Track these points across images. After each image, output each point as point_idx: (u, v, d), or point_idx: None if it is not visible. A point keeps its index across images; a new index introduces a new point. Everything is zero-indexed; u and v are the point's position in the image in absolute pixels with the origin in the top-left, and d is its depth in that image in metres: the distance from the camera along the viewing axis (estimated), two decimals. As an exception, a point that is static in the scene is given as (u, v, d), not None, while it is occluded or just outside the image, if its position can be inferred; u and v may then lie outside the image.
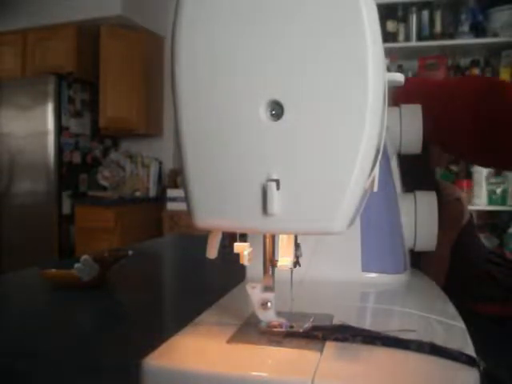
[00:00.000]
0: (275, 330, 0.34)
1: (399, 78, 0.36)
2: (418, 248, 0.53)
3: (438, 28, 2.88)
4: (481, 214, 2.81)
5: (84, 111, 3.30)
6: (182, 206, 2.90)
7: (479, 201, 2.74)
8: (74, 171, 3.23)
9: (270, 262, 0.35)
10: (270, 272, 0.35)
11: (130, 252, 0.77)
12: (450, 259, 0.62)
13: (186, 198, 0.32)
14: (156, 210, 3.23)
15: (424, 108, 0.53)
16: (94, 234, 3.03)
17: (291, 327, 0.34)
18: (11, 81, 3.26)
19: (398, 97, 0.57)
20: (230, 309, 0.40)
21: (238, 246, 0.35)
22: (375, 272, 0.49)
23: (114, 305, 0.66)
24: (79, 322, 0.59)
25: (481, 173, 2.73)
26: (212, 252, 0.37)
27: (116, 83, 3.27)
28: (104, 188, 3.34)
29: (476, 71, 2.86)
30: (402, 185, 0.57)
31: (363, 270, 0.49)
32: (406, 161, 0.58)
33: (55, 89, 3.05)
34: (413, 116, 0.55)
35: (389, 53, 2.84)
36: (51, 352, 0.47)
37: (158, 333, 0.50)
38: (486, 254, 0.67)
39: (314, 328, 0.34)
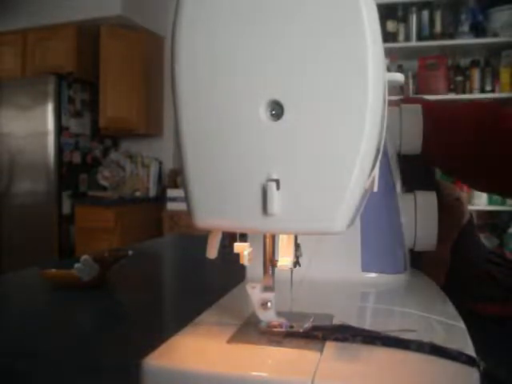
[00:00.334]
0: (275, 329, 0.34)
1: (399, 77, 0.36)
2: (418, 248, 0.53)
3: (438, 28, 2.88)
4: (481, 214, 2.81)
5: (84, 111, 3.31)
6: (182, 206, 2.90)
7: (479, 201, 2.74)
8: (74, 171, 3.23)
9: (269, 262, 0.35)
10: (270, 272, 0.35)
11: (130, 252, 0.77)
12: (450, 259, 0.62)
13: (186, 198, 0.32)
14: (156, 210, 3.23)
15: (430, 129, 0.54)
16: (94, 234, 3.03)
17: (291, 327, 0.34)
18: (11, 81, 3.26)
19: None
20: (230, 309, 0.40)
21: (238, 246, 0.35)
22: (375, 272, 0.49)
23: (114, 305, 0.66)
24: (79, 321, 0.59)
25: (481, 173, 2.72)
26: (212, 252, 0.37)
27: (116, 83, 3.27)
28: (104, 188, 3.34)
29: (476, 71, 2.86)
30: (401, 185, 0.57)
31: (363, 270, 0.49)
32: (406, 161, 0.58)
33: (55, 89, 3.05)
34: (413, 116, 0.55)
35: (389, 53, 2.84)
36: (51, 352, 0.47)
37: (158, 333, 0.50)
38: (486, 254, 0.67)
39: (314, 328, 0.34)
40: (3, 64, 3.42)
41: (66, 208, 3.13)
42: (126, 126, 3.38)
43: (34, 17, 3.30)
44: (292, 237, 0.35)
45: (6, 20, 3.38)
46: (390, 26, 2.88)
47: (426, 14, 2.88)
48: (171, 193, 3.17)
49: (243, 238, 0.36)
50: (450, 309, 0.42)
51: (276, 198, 0.29)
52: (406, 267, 0.51)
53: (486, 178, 0.60)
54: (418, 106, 0.55)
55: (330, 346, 0.32)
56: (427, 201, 0.53)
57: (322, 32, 0.28)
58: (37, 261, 0.84)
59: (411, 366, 0.30)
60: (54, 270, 0.70)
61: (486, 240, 2.64)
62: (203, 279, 0.82)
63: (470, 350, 0.32)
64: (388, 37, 2.84)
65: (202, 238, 0.39)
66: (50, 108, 3.06)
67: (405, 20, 2.92)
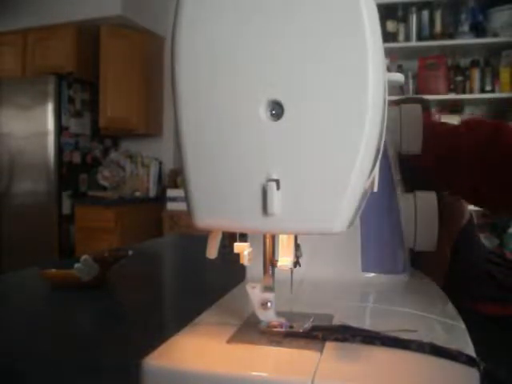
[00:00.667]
0: (275, 329, 0.34)
1: (399, 78, 0.36)
2: (418, 248, 0.53)
3: (438, 28, 2.88)
4: (481, 214, 2.81)
5: (84, 111, 3.30)
6: (182, 206, 2.90)
7: (479, 201, 2.73)
8: (74, 171, 3.23)
9: (269, 261, 0.35)
10: (270, 272, 0.35)
11: (130, 252, 0.77)
12: (450, 259, 0.62)
13: (186, 198, 0.32)
14: (156, 210, 3.23)
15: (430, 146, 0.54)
16: (94, 234, 3.03)
17: (291, 327, 0.34)
18: (11, 81, 3.26)
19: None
20: (230, 309, 0.40)
21: (238, 246, 0.35)
22: (375, 272, 0.49)
23: (114, 305, 0.66)
24: (79, 321, 0.59)
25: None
26: (212, 252, 0.37)
27: (116, 83, 3.27)
28: (104, 188, 3.34)
29: (476, 71, 2.86)
30: (402, 185, 0.57)
31: (363, 270, 0.49)
32: (406, 161, 0.58)
33: (55, 89, 3.05)
34: (413, 116, 0.55)
35: (389, 53, 2.84)
36: (51, 352, 0.47)
37: (158, 333, 0.50)
38: (486, 254, 0.67)
39: (314, 328, 0.34)
40: (3, 64, 3.42)
41: (66, 208, 3.13)
42: (125, 126, 3.38)
43: (34, 17, 3.30)
44: (292, 237, 0.35)
45: (6, 20, 3.38)
46: (390, 26, 2.88)
47: (425, 14, 2.88)
48: (171, 193, 3.17)
49: (243, 237, 0.36)
50: (450, 309, 0.42)
51: (276, 198, 0.29)
52: (405, 267, 0.51)
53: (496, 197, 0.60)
54: (418, 106, 0.55)
55: (329, 346, 0.32)
56: (427, 201, 0.53)
57: (322, 32, 0.28)
58: (37, 261, 0.84)
59: (411, 366, 0.30)
60: (53, 270, 0.70)
61: (486, 240, 2.64)
62: (203, 279, 0.82)
63: (470, 350, 0.32)
64: (388, 37, 2.84)
65: (202, 238, 0.39)
66: (49, 108, 3.06)
67: (405, 20, 2.92)
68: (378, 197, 0.39)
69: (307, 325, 0.34)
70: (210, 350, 0.32)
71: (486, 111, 2.99)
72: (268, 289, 0.34)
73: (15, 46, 3.39)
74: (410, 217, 0.53)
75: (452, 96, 2.87)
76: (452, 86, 2.89)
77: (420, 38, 2.90)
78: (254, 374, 0.29)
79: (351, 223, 0.30)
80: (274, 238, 0.35)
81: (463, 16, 2.83)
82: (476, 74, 2.86)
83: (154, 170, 3.44)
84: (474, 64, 2.89)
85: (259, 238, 0.36)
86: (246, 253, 0.35)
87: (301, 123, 0.29)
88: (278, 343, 0.33)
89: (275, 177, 0.29)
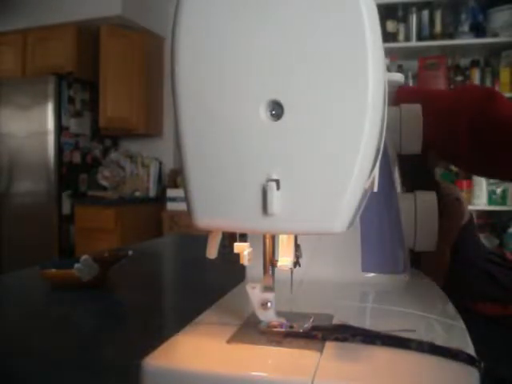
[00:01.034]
0: (275, 330, 0.34)
1: (399, 78, 0.36)
2: (418, 248, 0.53)
3: (438, 28, 2.88)
4: (481, 213, 2.81)
5: (84, 111, 3.31)
6: (182, 206, 2.90)
7: (479, 201, 2.74)
8: (74, 171, 3.23)
9: (269, 262, 0.35)
10: (270, 272, 0.35)
11: (130, 252, 0.77)
12: (450, 259, 0.62)
13: (186, 198, 0.32)
14: (156, 210, 3.23)
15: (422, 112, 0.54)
16: (94, 234, 3.03)
17: (291, 327, 0.34)
18: (11, 81, 3.26)
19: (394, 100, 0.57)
20: (230, 309, 0.40)
21: (238, 246, 0.35)
22: (375, 272, 0.49)
23: (114, 305, 0.66)
24: (79, 321, 0.59)
25: (481, 173, 2.72)
26: (212, 252, 0.37)
27: (116, 83, 3.27)
28: (104, 188, 3.34)
29: (476, 71, 2.86)
30: (402, 185, 0.57)
31: (363, 270, 0.49)
32: (406, 161, 0.58)
33: (55, 89, 3.05)
34: (413, 116, 0.55)
35: (389, 53, 2.84)
36: (51, 352, 0.47)
37: (158, 333, 0.50)
38: (486, 254, 0.67)
39: (314, 328, 0.34)
40: (3, 64, 3.42)
41: (66, 208, 3.13)
42: (125, 126, 3.38)
43: (34, 17, 3.30)
44: (292, 237, 0.35)
45: (5, 20, 3.38)
46: (390, 26, 2.88)
47: (425, 14, 2.88)
48: (171, 193, 3.17)
49: (243, 238, 0.36)
50: (450, 309, 0.42)
51: (276, 198, 0.29)
52: (405, 267, 0.51)
53: (486, 164, 0.60)
54: (418, 106, 0.55)
55: (329, 346, 0.32)
56: (427, 201, 0.53)
57: (322, 32, 0.28)
58: (37, 261, 0.84)
59: (411, 366, 0.30)
60: (53, 270, 0.70)
61: (486, 240, 2.64)
62: (203, 279, 0.82)
63: (470, 350, 0.32)
64: (388, 37, 2.84)
65: (202, 238, 0.39)
66: (49, 108, 3.06)
67: (405, 20, 2.91)
68: (377, 197, 0.39)
69: (307, 325, 0.34)
70: (210, 350, 0.32)
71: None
72: (268, 289, 0.34)
73: (15, 45, 3.39)
74: (410, 217, 0.53)
75: (452, 96, 2.87)
76: (452, 86, 2.89)
77: (420, 38, 2.90)
78: (254, 373, 0.29)
79: (351, 223, 0.30)
80: (274, 238, 0.35)
81: (463, 16, 2.83)
82: (476, 73, 2.86)
83: (154, 170, 3.44)
84: (474, 64, 2.89)
85: (259, 238, 0.36)
86: (245, 253, 0.35)
87: (301, 123, 0.29)
88: (278, 343, 0.33)
89: (275, 177, 0.29)
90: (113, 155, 3.48)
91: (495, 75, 2.83)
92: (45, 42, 3.30)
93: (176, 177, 3.31)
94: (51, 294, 0.70)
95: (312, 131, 0.29)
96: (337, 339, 0.32)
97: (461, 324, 0.38)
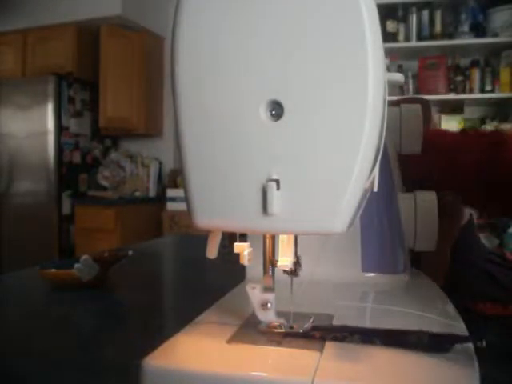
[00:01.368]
0: (275, 330, 0.34)
1: (399, 78, 0.36)
2: (418, 248, 0.53)
3: (438, 28, 2.88)
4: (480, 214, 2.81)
5: (84, 111, 3.30)
6: (182, 206, 2.90)
7: (479, 201, 2.74)
8: (74, 171, 3.23)
9: (269, 262, 0.35)
10: (270, 272, 0.35)
11: (130, 252, 0.77)
12: (450, 259, 0.62)
13: (186, 198, 0.32)
14: (156, 210, 3.23)
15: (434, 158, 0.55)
16: (94, 234, 3.03)
17: (291, 327, 0.34)
18: (11, 81, 3.26)
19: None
20: (230, 309, 0.40)
21: (238, 246, 0.35)
22: (375, 272, 0.49)
23: (114, 305, 0.66)
24: (79, 322, 0.59)
25: (481, 173, 2.72)
26: (212, 252, 0.37)
27: (116, 83, 3.27)
28: (104, 188, 3.34)
29: (476, 71, 2.86)
30: (402, 185, 0.57)
31: (363, 270, 0.49)
32: (406, 161, 0.58)
33: (55, 89, 3.05)
34: (413, 116, 0.55)
35: (389, 53, 2.84)
36: (51, 352, 0.47)
37: (158, 333, 0.50)
38: (486, 254, 0.67)
39: (314, 328, 0.34)
40: (3, 64, 3.42)
41: (66, 208, 3.13)
42: (125, 126, 3.38)
43: (34, 17, 3.30)
44: (292, 237, 0.35)
45: (5, 20, 3.38)
46: (390, 26, 2.88)
47: (425, 14, 2.88)
48: (171, 193, 3.17)
49: (243, 237, 0.36)
50: (450, 309, 0.42)
51: (276, 198, 0.29)
52: (406, 267, 0.51)
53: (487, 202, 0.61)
54: (418, 106, 0.55)
55: (329, 346, 0.32)
56: (427, 201, 0.53)
57: (322, 32, 0.28)
58: (37, 261, 0.84)
59: (411, 366, 0.30)
60: (53, 270, 0.70)
61: (486, 240, 2.64)
62: (203, 279, 0.82)
63: (470, 350, 0.32)
64: (388, 37, 2.84)
65: (202, 238, 0.39)
66: (49, 108, 3.06)
67: (405, 20, 2.92)
68: (377, 197, 0.39)
69: (307, 325, 0.34)
70: (209, 350, 0.32)
71: (486, 111, 2.99)
72: (268, 289, 0.34)
73: (15, 45, 3.39)
74: (410, 217, 0.53)
75: (452, 96, 2.87)
76: (452, 86, 2.89)
77: (420, 37, 2.90)
78: (254, 373, 0.29)
79: (351, 223, 0.30)
80: (274, 237, 0.35)
81: (463, 16, 2.83)
82: (476, 73, 2.86)
83: (153, 169, 3.44)
84: (474, 64, 2.89)
85: (259, 238, 0.36)
86: (245, 253, 0.35)
87: (301, 123, 0.29)
88: (278, 343, 0.33)
89: (275, 177, 0.29)
90: (113, 155, 3.48)
91: (495, 75, 2.83)
92: (45, 41, 3.30)
93: (176, 177, 3.31)
94: (51, 293, 0.70)
95: (312, 131, 0.29)
96: (335, 338, 0.32)
97: (461, 324, 0.38)
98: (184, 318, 0.38)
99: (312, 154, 0.29)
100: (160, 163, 3.49)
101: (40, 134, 3.08)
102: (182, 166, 0.31)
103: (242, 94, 0.29)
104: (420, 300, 0.46)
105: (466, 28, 2.82)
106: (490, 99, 2.86)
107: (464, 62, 2.94)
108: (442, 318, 0.39)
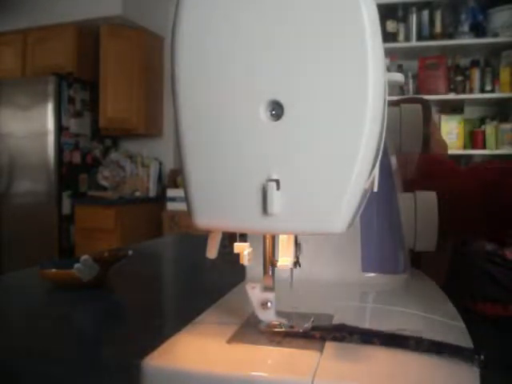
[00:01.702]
0: (275, 329, 0.34)
1: (399, 78, 0.36)
2: (418, 248, 0.53)
3: (438, 28, 2.88)
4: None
5: (84, 111, 3.30)
6: (182, 206, 2.90)
7: (479, 201, 2.73)
8: (74, 171, 3.23)
9: (269, 261, 0.35)
10: (270, 272, 0.35)
11: (130, 252, 0.77)
12: (450, 259, 0.62)
13: (186, 198, 0.32)
14: (156, 210, 3.23)
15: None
16: (94, 234, 3.03)
17: (291, 327, 0.34)
18: (11, 81, 3.26)
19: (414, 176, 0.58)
20: (230, 309, 0.40)
21: (238, 246, 0.35)
22: (375, 272, 0.49)
23: (113, 305, 0.66)
24: (79, 322, 0.59)
25: (481, 173, 2.72)
26: (212, 252, 0.37)
27: (116, 83, 3.27)
28: (104, 188, 3.34)
29: (476, 71, 2.86)
30: (401, 185, 0.57)
31: (363, 271, 0.49)
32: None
33: (55, 89, 3.05)
34: (413, 116, 0.55)
35: (389, 53, 2.84)
36: (51, 352, 0.47)
37: (158, 333, 0.50)
38: (486, 254, 0.67)
39: (314, 328, 0.34)
40: (3, 64, 3.42)
41: (66, 208, 3.13)
42: (125, 126, 3.37)
43: (34, 17, 3.30)
44: (292, 237, 0.35)
45: (6, 20, 3.38)
46: (390, 26, 2.88)
47: (425, 14, 2.88)
48: (171, 193, 3.17)
49: (243, 237, 0.36)
50: (450, 309, 0.42)
51: (276, 198, 0.29)
52: (406, 267, 0.51)
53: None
54: (418, 106, 0.55)
55: (329, 346, 0.32)
56: (427, 201, 0.53)
57: (322, 32, 0.28)
58: (37, 261, 0.84)
59: (411, 366, 0.30)
60: (54, 270, 0.70)
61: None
62: (203, 279, 0.82)
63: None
64: (388, 37, 2.84)
65: (202, 238, 0.39)
66: (49, 108, 3.06)
67: (405, 20, 2.91)
68: (377, 197, 0.39)
69: (307, 325, 0.34)
70: (209, 350, 0.32)
71: (486, 111, 2.99)
72: (268, 289, 0.34)
73: (15, 46, 3.39)
74: (410, 217, 0.53)
75: (452, 96, 2.87)
76: (452, 86, 2.89)
77: (420, 37, 2.90)
78: (254, 373, 0.29)
79: (351, 223, 0.30)
80: (274, 238, 0.35)
81: (463, 16, 2.83)
82: (476, 73, 2.86)
83: (153, 170, 3.44)
84: (474, 64, 2.89)
85: (259, 238, 0.36)
86: (245, 253, 0.35)
87: (301, 123, 0.29)
88: (278, 343, 0.33)
89: (275, 177, 0.29)
90: (113, 155, 3.48)
91: (495, 75, 2.83)
92: (45, 42, 3.30)
93: (176, 177, 3.31)
94: (51, 293, 0.70)
95: (312, 131, 0.29)
96: (335, 338, 0.32)
97: (461, 324, 0.38)
98: (184, 318, 0.38)
99: (312, 154, 0.29)
100: (160, 163, 3.49)
101: (40, 134, 3.08)
102: (181, 166, 0.31)
103: (241, 94, 0.29)
104: (420, 300, 0.46)
105: (465, 28, 2.82)
106: (490, 99, 2.86)
107: (464, 61, 2.94)
108: (442, 318, 0.39)
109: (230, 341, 0.33)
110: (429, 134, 0.61)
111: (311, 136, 0.29)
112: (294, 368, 0.29)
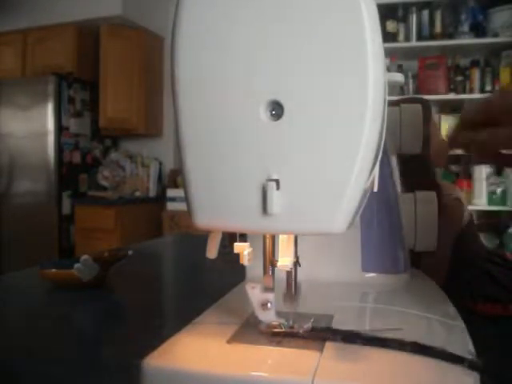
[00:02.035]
0: (275, 330, 0.34)
1: (399, 78, 0.36)
2: (418, 248, 0.53)
3: (438, 28, 2.88)
4: (481, 213, 2.81)
5: (84, 111, 3.31)
6: (182, 206, 2.90)
7: (479, 201, 2.74)
8: (74, 171, 3.23)
9: (269, 262, 0.35)
10: (270, 272, 0.35)
11: (130, 252, 0.77)
12: (450, 259, 0.62)
13: (186, 198, 0.32)
14: (156, 210, 3.23)
15: None
16: (94, 234, 3.03)
17: (291, 327, 0.34)
18: (11, 81, 3.26)
19: None
20: (230, 309, 0.40)
21: (238, 246, 0.35)
22: (375, 272, 0.49)
23: (113, 305, 0.66)
24: (79, 322, 0.59)
25: (481, 173, 2.73)
26: (212, 252, 0.37)
27: (116, 83, 3.27)
28: (104, 188, 3.34)
29: (476, 71, 2.86)
30: (401, 185, 0.57)
31: (363, 271, 0.49)
32: (406, 161, 0.58)
33: (55, 89, 3.06)
34: (413, 116, 0.55)
35: (389, 53, 2.84)
36: (51, 352, 0.47)
37: (158, 333, 0.50)
38: (486, 254, 0.67)
39: (314, 329, 0.34)
40: (3, 64, 3.42)
41: (66, 208, 3.13)
42: (125, 126, 3.38)
43: (34, 17, 3.30)
44: (292, 237, 0.35)
45: (6, 20, 3.38)
46: (390, 26, 2.88)
47: (425, 14, 2.88)
48: (171, 193, 3.17)
49: (243, 237, 0.36)
50: (450, 309, 0.42)
51: (276, 198, 0.29)
52: (406, 267, 0.51)
53: None
54: (418, 106, 0.55)
55: (329, 346, 0.32)
56: (427, 201, 0.53)
57: (322, 32, 0.28)
58: (37, 261, 0.84)
59: (411, 367, 0.30)
60: (54, 270, 0.70)
61: (486, 240, 2.64)
62: (203, 279, 0.82)
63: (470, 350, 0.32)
64: (388, 37, 2.84)
65: (202, 238, 0.39)
66: (49, 108, 3.06)
67: (405, 20, 2.92)
68: (377, 197, 0.39)
69: (307, 325, 0.34)
70: (210, 350, 0.32)
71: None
72: (268, 289, 0.34)
73: (15, 46, 3.39)
74: (410, 217, 0.53)
75: (452, 96, 2.87)
76: (452, 86, 2.89)
77: (420, 37, 2.90)
78: (254, 373, 0.29)
79: (351, 223, 0.30)
80: (274, 237, 0.35)
81: (463, 16, 2.83)
82: (476, 73, 2.86)
83: (153, 169, 3.44)
84: (474, 64, 2.89)
85: (259, 238, 0.35)
86: (245, 253, 0.35)
87: (301, 123, 0.29)
88: (278, 343, 0.33)
89: (275, 177, 0.29)
90: (113, 155, 3.48)
91: (495, 75, 2.83)
92: (45, 42, 3.30)
93: (176, 177, 3.31)
94: (51, 293, 0.70)
95: (312, 131, 0.29)
96: (335, 339, 0.32)
97: (461, 324, 0.38)
98: (184, 318, 0.38)
99: (312, 154, 0.29)
100: (160, 163, 3.49)
101: (40, 134, 3.08)
102: (181, 165, 0.31)
103: (241, 94, 0.29)
104: (420, 300, 0.46)
105: (465, 28, 2.82)
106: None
107: (464, 61, 2.94)
108: (442, 318, 0.39)
109: (230, 341, 0.33)
110: (429, 134, 0.61)
111: (311, 136, 0.29)
112: (293, 368, 0.29)
